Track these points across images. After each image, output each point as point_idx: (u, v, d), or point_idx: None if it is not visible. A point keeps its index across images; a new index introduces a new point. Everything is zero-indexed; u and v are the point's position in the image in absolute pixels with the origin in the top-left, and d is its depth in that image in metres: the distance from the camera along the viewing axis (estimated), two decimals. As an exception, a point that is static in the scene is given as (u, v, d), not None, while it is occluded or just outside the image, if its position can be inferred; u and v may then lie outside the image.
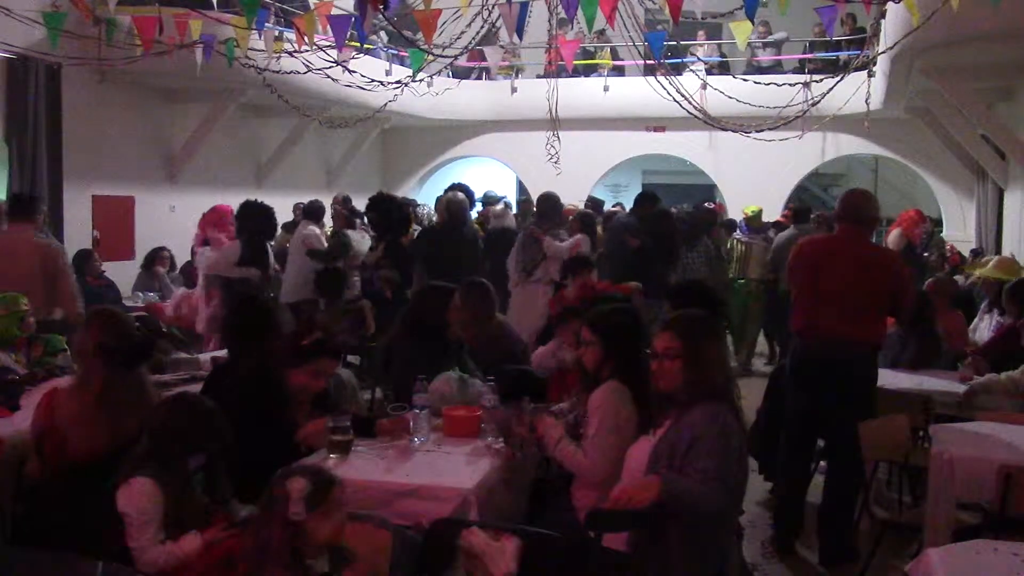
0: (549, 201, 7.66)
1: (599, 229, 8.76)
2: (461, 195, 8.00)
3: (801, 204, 10.95)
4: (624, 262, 7.45)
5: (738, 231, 10.10)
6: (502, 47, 7.79)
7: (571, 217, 8.08)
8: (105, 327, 3.40)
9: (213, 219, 7.57)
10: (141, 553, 2.80)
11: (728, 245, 9.83)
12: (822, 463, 5.31)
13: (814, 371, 4.57)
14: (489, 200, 10.21)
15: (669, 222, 7.89)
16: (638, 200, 8.18)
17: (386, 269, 7.34)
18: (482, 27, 5.94)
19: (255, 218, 6.94)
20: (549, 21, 6.97)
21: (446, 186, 9.53)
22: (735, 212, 13.12)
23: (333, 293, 7.11)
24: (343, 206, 8.41)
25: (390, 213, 7.46)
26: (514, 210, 10.59)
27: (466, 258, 7.45)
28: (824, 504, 4.64)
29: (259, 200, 7.20)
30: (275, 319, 4.03)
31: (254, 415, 3.43)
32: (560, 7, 4.79)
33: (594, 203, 10.93)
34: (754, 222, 9.97)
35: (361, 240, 7.86)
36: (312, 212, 8.06)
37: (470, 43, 6.25)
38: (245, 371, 3.67)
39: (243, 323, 4.01)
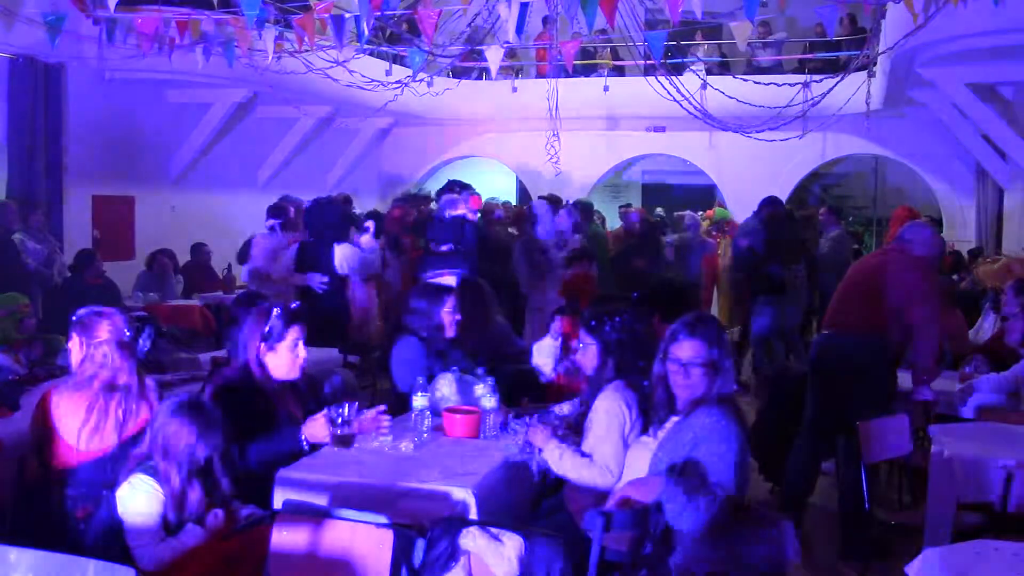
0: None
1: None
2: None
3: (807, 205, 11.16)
4: (738, 262, 8.46)
5: None
6: (502, 47, 7.77)
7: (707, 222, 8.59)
8: (100, 325, 3.39)
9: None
10: (144, 551, 2.80)
11: None
12: (823, 464, 5.33)
13: (819, 361, 4.74)
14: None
15: (778, 225, 8.11)
16: (760, 204, 8.49)
17: None
18: (482, 26, 5.95)
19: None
20: (549, 21, 6.96)
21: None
22: (738, 213, 13.13)
23: None
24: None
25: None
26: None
27: None
28: (838, 502, 4.75)
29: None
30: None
31: (248, 415, 3.42)
32: (560, 7, 4.78)
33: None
34: None
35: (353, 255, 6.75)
36: None
37: (469, 43, 6.25)
38: (232, 371, 3.65)
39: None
